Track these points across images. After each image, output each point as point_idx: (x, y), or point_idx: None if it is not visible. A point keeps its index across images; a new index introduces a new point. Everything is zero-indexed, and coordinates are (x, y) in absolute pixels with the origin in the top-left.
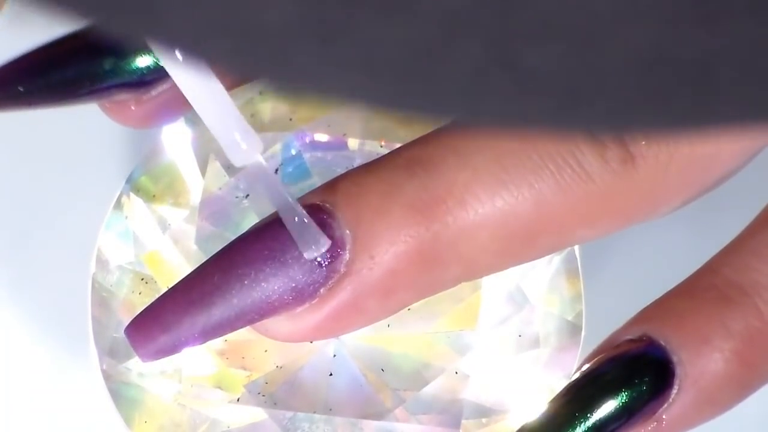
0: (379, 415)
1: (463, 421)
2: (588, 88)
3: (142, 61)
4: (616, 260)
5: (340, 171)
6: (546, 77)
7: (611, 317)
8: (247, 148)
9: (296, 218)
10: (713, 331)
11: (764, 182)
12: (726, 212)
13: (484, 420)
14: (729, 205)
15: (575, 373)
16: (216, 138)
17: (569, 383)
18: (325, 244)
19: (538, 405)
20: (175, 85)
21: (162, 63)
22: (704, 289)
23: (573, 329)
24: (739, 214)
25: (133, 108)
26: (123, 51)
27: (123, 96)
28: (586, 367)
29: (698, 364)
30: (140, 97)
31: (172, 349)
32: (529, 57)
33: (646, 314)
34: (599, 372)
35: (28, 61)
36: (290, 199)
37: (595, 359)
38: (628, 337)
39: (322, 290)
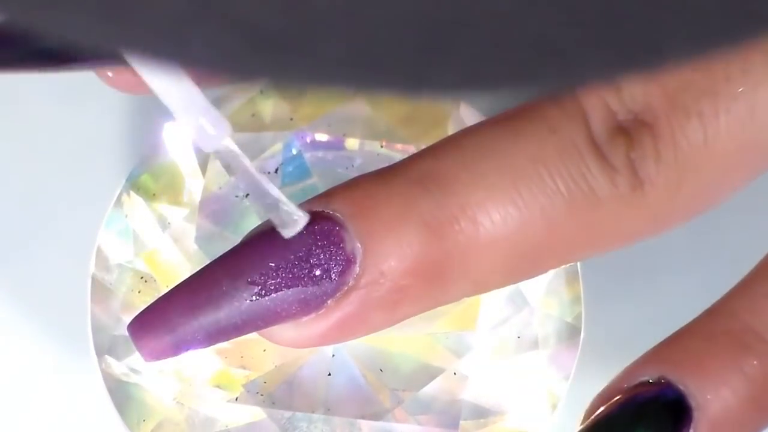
0: (377, 415)
1: (462, 422)
2: (296, 41)
3: None
4: (615, 262)
5: (341, 171)
6: (252, 28)
7: (610, 319)
8: (216, 133)
9: (269, 200)
10: (731, 376)
11: (763, 183)
12: (725, 214)
13: (482, 421)
14: (728, 207)
15: (593, 417)
16: (181, 123)
17: (586, 425)
18: (303, 220)
19: (536, 406)
20: None
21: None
22: (722, 334)
23: (572, 331)
24: (738, 216)
25: (125, 75)
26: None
27: (113, 66)
28: (602, 408)
29: (715, 409)
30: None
31: (176, 351)
32: (235, 7)
33: (661, 355)
34: (617, 413)
35: (8, 28)
36: (262, 181)
37: (612, 401)
38: (644, 378)
39: (329, 301)
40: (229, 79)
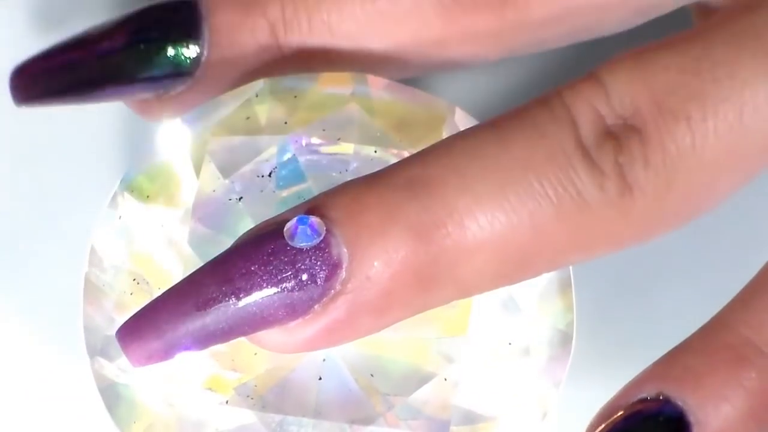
0: (368, 419)
1: (452, 428)
2: None
3: (167, 59)
4: (608, 271)
5: (335, 175)
6: None
7: (602, 328)
8: None
9: None
10: (731, 390)
11: (760, 190)
12: (718, 221)
13: (473, 427)
14: (722, 214)
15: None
16: None
17: None
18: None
19: (526, 413)
20: (193, 84)
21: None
22: (720, 348)
23: (564, 338)
24: (735, 219)
25: (155, 104)
26: (148, 48)
27: (146, 95)
28: (602, 426)
29: (715, 424)
30: (161, 96)
31: (164, 356)
32: None
33: (659, 371)
34: (616, 431)
35: (53, 57)
36: None
37: (612, 418)
38: (643, 395)
39: (316, 306)
40: None
